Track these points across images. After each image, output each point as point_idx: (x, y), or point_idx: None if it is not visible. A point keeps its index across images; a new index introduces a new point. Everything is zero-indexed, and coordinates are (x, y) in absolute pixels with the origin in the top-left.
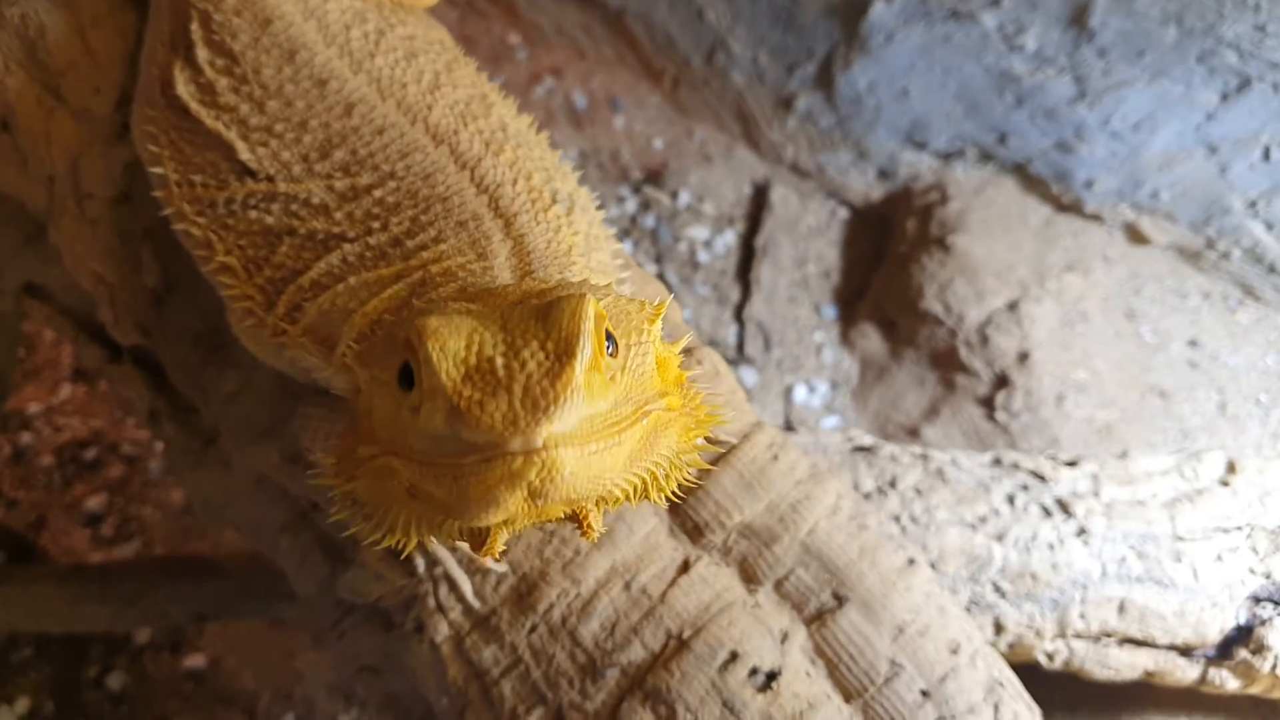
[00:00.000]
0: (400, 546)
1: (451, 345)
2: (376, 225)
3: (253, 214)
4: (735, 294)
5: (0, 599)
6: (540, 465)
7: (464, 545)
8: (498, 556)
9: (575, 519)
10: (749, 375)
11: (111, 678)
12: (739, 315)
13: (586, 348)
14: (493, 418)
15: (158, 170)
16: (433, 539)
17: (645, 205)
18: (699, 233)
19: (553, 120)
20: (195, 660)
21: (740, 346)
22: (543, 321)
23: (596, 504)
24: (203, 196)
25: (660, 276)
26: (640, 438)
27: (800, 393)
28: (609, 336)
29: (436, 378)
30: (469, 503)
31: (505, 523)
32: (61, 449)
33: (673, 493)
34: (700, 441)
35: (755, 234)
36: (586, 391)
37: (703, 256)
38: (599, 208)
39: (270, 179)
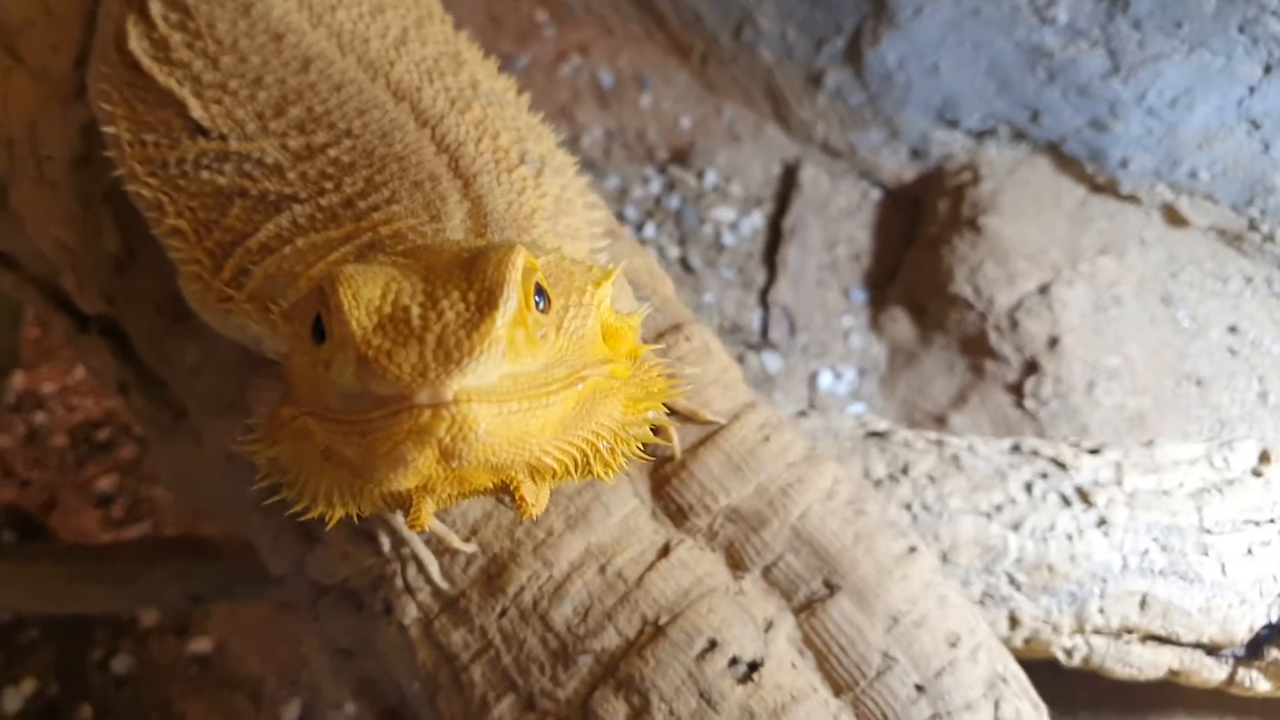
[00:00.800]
0: (326, 518)
1: (365, 293)
2: (329, 186)
3: (204, 174)
4: (761, 277)
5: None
6: (450, 421)
7: (435, 524)
8: (425, 528)
9: (506, 490)
10: (773, 361)
11: (117, 660)
12: (764, 299)
13: (511, 299)
14: (400, 368)
15: (110, 129)
16: (395, 515)
17: (670, 186)
18: (725, 214)
19: (579, 99)
20: (201, 644)
21: (764, 331)
22: (466, 271)
23: (530, 475)
24: (154, 156)
25: (684, 260)
26: (574, 404)
27: (826, 379)
28: (540, 291)
29: (346, 326)
30: (376, 462)
31: (425, 489)
32: (74, 429)
33: (620, 468)
34: (652, 415)
35: (783, 215)
36: (510, 347)
37: (728, 239)
38: (615, 197)
39: (223, 137)
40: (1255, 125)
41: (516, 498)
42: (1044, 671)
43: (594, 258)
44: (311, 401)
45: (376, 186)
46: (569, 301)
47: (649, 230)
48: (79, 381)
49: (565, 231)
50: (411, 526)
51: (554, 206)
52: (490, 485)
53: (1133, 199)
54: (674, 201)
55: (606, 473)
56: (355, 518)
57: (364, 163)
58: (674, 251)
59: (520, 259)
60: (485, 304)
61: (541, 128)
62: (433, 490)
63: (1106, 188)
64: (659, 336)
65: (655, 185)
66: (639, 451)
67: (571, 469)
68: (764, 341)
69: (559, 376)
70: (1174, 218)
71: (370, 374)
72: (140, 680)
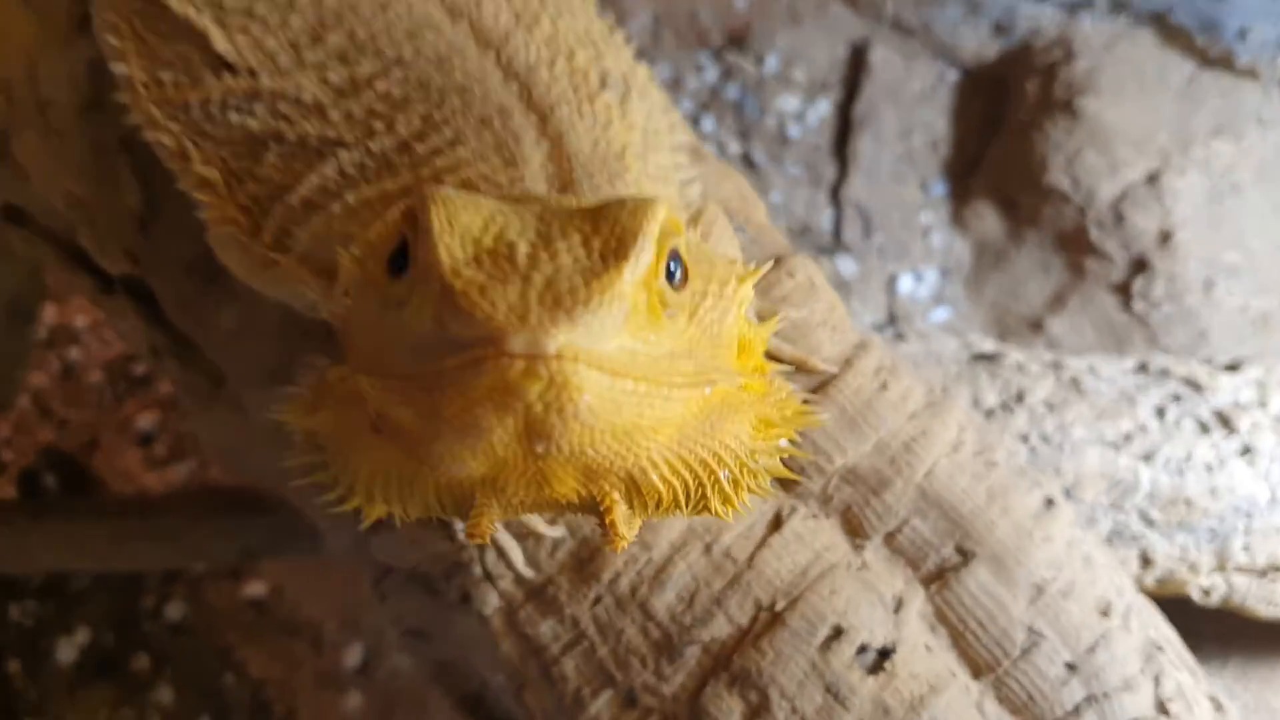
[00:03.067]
0: (364, 514)
1: (464, 218)
2: (380, 126)
3: (233, 117)
4: (831, 173)
5: (44, 536)
6: (547, 382)
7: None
8: (485, 539)
9: (595, 509)
10: (847, 265)
11: (171, 607)
12: (835, 197)
13: (645, 252)
14: (493, 305)
15: (120, 68)
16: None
17: (728, 74)
18: (789, 104)
19: None
20: (255, 588)
21: (837, 232)
22: (592, 217)
23: (628, 493)
24: (174, 98)
25: (746, 156)
26: (699, 409)
27: (906, 283)
28: (678, 260)
29: (434, 253)
30: (441, 426)
31: (493, 486)
32: (110, 364)
33: (742, 505)
34: (784, 444)
35: (853, 103)
36: (634, 314)
37: (794, 131)
38: (667, 88)
39: (252, 73)
40: None
41: (606, 522)
42: (1167, 605)
43: (685, 194)
44: (370, 357)
45: (436, 126)
46: (708, 289)
47: (706, 124)
48: None
49: (655, 172)
50: (470, 536)
51: (642, 141)
52: (575, 497)
53: (1249, 74)
54: (732, 91)
55: (726, 510)
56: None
57: (419, 97)
58: (735, 147)
59: (662, 211)
60: (613, 253)
61: (615, 38)
62: (502, 490)
63: (1219, 62)
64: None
65: (711, 74)
66: (766, 487)
67: (681, 497)
68: (837, 244)
69: (685, 371)
70: None
71: (454, 309)
72: (196, 627)
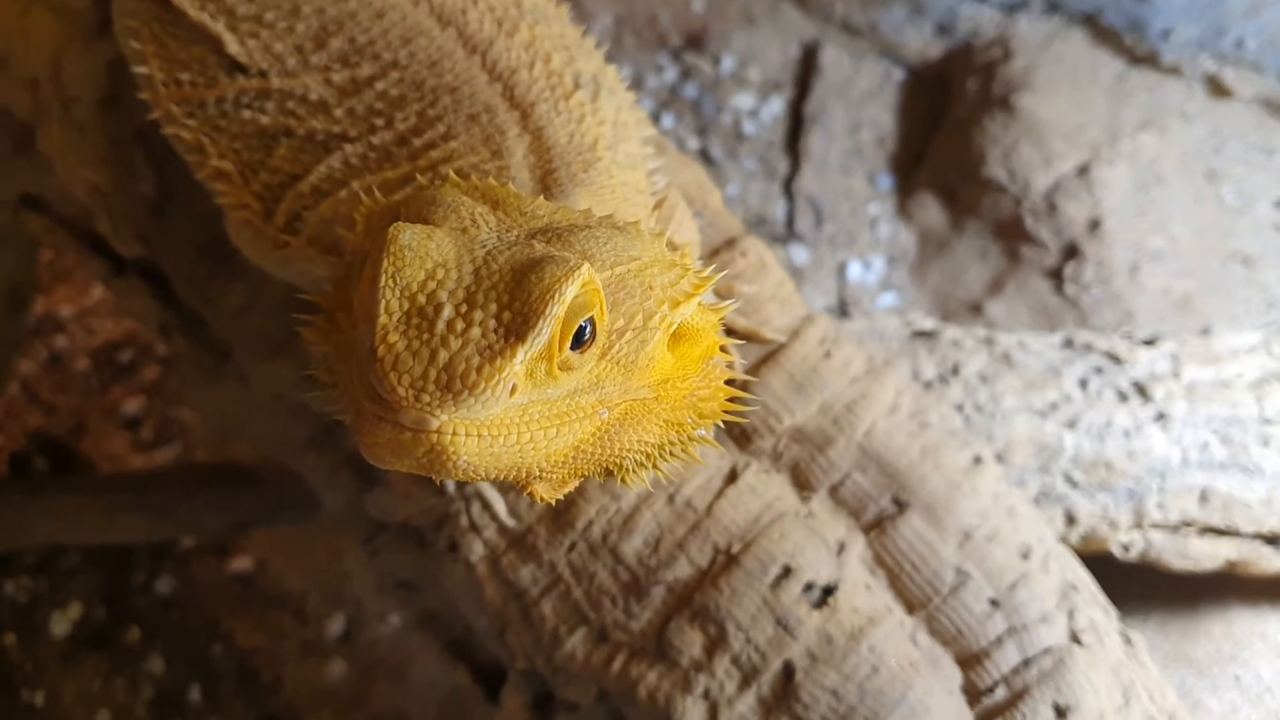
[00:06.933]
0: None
1: (408, 274)
2: (380, 122)
3: (246, 114)
4: (784, 166)
5: (40, 511)
6: (429, 448)
7: None
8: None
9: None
10: (800, 253)
11: (160, 582)
12: (788, 189)
13: (542, 334)
14: (400, 379)
15: (142, 69)
16: None
17: (686, 74)
18: (744, 102)
19: None
20: (242, 563)
21: (790, 222)
22: (517, 281)
23: (538, 479)
24: (191, 97)
25: (704, 151)
26: (593, 431)
27: (855, 270)
28: (589, 323)
29: (375, 305)
30: (362, 443)
31: None
32: (96, 352)
33: (651, 481)
34: (701, 433)
35: (804, 100)
36: (528, 378)
37: (749, 128)
38: (629, 88)
39: (263, 74)
40: None
41: (527, 492)
42: (1094, 564)
43: (652, 181)
44: (357, 321)
45: (430, 122)
46: (630, 324)
47: (666, 121)
48: (97, 303)
49: (624, 160)
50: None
51: (612, 132)
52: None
53: (1174, 71)
54: (690, 90)
55: (631, 480)
56: None
57: (414, 96)
58: (693, 143)
59: (571, 291)
60: (514, 333)
61: (586, 42)
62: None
63: (1146, 60)
64: (713, 253)
65: (670, 74)
66: (683, 460)
67: (587, 477)
68: (790, 234)
69: (583, 405)
70: (1217, 89)
71: (374, 371)
72: (185, 601)
